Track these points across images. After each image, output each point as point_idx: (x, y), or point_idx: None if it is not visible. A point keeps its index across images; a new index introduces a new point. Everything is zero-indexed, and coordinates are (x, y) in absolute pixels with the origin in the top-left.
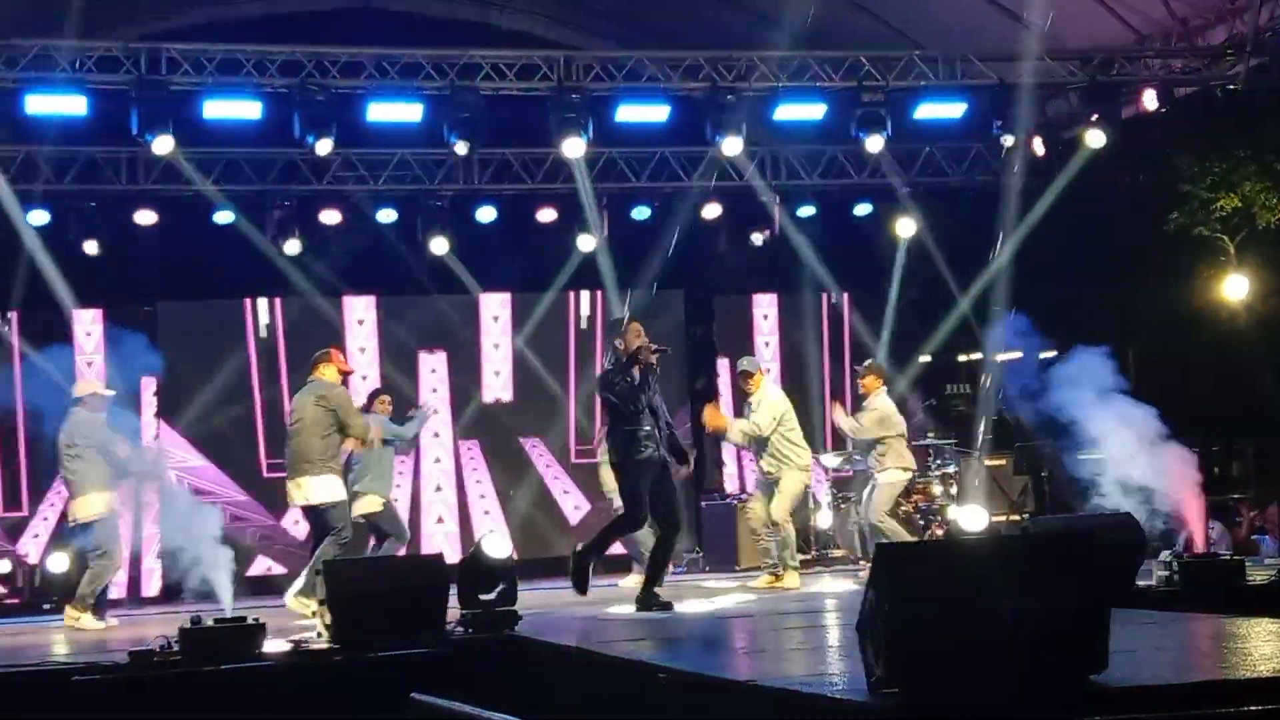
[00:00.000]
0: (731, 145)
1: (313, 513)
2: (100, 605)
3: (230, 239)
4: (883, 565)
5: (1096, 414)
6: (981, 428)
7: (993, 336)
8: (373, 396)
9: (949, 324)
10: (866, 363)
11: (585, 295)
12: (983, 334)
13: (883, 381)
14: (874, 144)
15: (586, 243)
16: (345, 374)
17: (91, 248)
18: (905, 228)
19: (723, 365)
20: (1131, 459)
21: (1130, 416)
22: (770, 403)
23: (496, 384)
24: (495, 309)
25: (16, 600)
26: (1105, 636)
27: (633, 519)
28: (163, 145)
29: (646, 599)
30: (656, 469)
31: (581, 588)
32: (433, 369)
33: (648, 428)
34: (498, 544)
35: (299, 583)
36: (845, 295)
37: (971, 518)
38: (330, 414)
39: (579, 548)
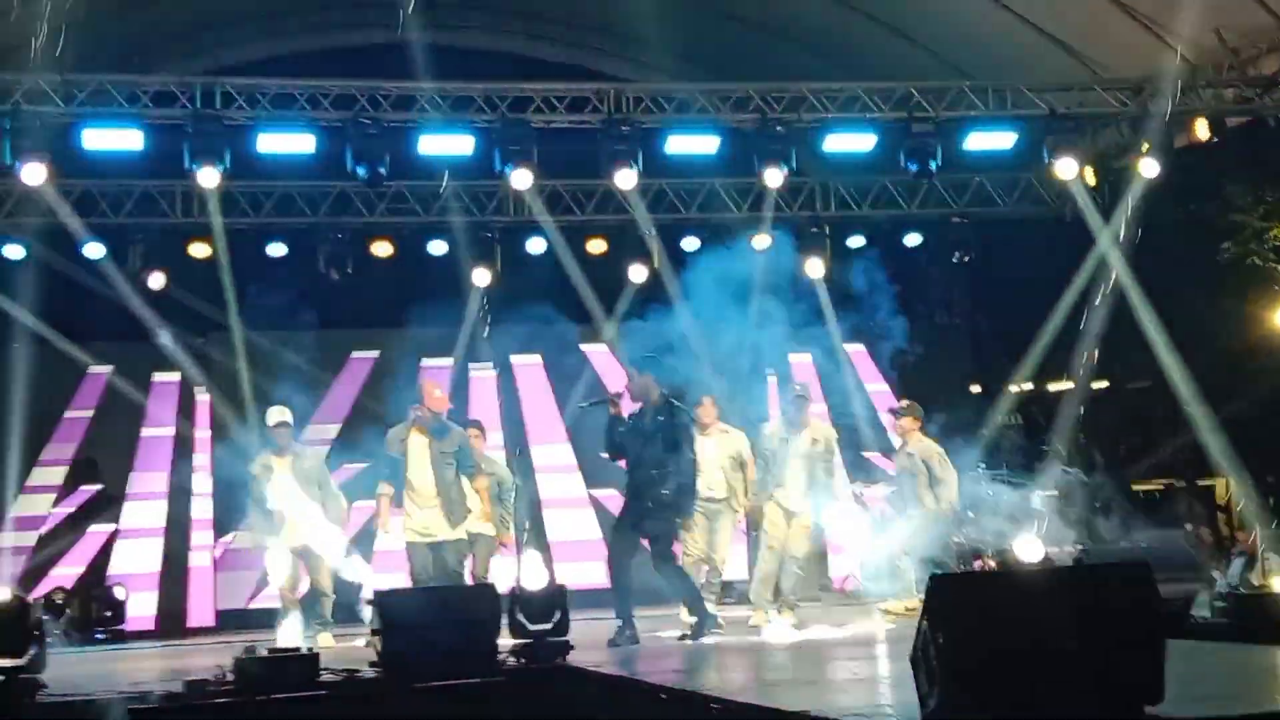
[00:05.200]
0: (774, 177)
1: None
2: None
3: (283, 270)
4: (937, 596)
5: None
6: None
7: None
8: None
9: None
10: (905, 403)
11: None
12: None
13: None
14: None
15: (638, 273)
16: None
17: (157, 281)
18: (956, 258)
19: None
20: None
21: None
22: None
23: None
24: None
25: None
26: (1161, 667)
27: None
28: (208, 178)
29: None
30: None
31: None
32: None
33: None
34: (535, 573)
35: None
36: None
37: (1027, 549)
38: None
39: None
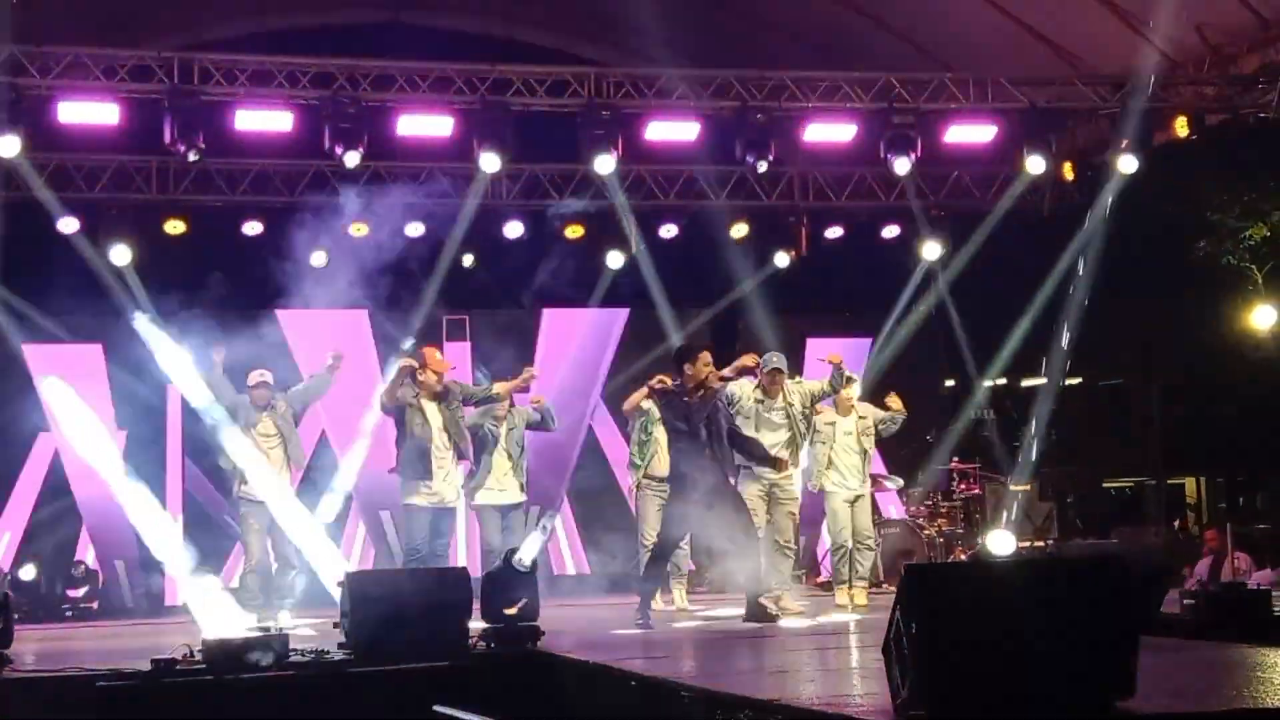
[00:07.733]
0: (765, 166)
1: None
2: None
3: (259, 249)
4: (911, 586)
5: None
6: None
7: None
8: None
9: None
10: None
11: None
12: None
13: None
14: (902, 166)
15: (615, 259)
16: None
17: (122, 256)
18: (931, 251)
19: None
20: None
21: None
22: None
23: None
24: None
25: None
26: (1134, 662)
27: None
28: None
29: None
30: None
31: None
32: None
33: None
34: (522, 558)
35: None
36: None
37: (998, 542)
38: None
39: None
